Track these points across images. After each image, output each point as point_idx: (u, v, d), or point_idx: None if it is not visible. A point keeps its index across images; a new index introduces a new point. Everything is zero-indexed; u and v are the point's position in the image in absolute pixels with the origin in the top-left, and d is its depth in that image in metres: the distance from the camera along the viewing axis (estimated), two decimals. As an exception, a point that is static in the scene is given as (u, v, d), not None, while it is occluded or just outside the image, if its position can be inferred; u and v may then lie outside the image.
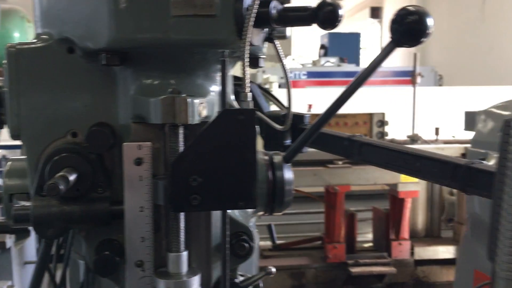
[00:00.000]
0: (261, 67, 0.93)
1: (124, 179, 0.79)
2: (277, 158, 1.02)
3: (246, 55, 0.74)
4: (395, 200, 4.02)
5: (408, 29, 0.78)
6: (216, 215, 0.84)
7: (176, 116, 0.76)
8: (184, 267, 0.82)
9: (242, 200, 0.75)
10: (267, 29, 0.83)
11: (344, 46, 12.03)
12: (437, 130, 4.17)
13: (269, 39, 0.87)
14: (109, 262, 0.79)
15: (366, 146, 1.20)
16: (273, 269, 0.92)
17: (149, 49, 0.79)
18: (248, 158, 0.74)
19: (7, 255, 2.32)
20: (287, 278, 4.16)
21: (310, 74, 10.17)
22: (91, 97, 0.83)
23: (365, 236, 4.67)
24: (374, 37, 15.58)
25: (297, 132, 1.41)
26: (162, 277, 0.81)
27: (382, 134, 4.07)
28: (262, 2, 0.75)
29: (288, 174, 1.01)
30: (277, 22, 0.78)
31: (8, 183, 0.91)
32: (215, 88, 0.86)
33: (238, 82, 1.52)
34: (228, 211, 0.89)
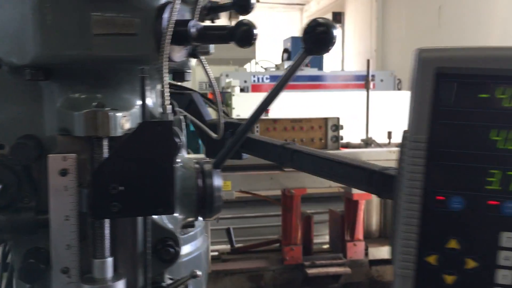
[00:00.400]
0: (187, 80, 0.98)
1: (49, 189, 0.82)
2: (207, 166, 1.07)
3: (165, 70, 0.79)
4: (349, 202, 4.13)
5: (318, 39, 0.85)
6: (141, 221, 0.88)
7: (99, 129, 0.80)
8: (109, 273, 0.85)
9: (160, 206, 0.80)
10: (189, 46, 0.88)
11: (307, 51, 12.18)
12: (389, 134, 4.30)
13: (193, 55, 0.92)
14: (34, 270, 0.82)
15: (297, 153, 1.27)
16: (199, 272, 0.96)
17: (74, 64, 0.83)
18: (166, 167, 0.79)
19: None
20: (245, 281, 4.21)
21: (273, 78, 10.27)
22: (18, 110, 0.86)
23: (322, 237, 4.77)
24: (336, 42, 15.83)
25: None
26: (87, 282, 0.84)
27: (337, 138, 4.16)
28: (181, 22, 0.80)
29: (218, 181, 1.06)
30: (196, 40, 0.83)
31: None
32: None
33: (179, 90, 1.56)
34: (155, 218, 0.93)
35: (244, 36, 0.83)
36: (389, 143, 4.30)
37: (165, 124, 0.78)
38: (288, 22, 15.32)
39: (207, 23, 1.00)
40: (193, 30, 0.82)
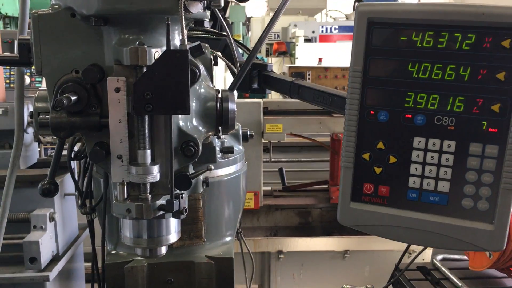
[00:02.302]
0: (206, 27, 1.32)
1: (109, 101, 1.21)
2: (225, 93, 1.42)
3: (182, 18, 1.14)
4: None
5: None
6: (169, 127, 1.26)
7: (139, 59, 1.17)
8: (148, 160, 1.25)
9: (179, 108, 1.16)
10: (202, 0, 1.21)
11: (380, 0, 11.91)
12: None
13: (208, 7, 1.26)
14: (99, 154, 1.23)
15: (302, 87, 1.59)
16: (212, 166, 1.34)
17: (122, 15, 1.19)
18: (183, 81, 1.14)
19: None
20: (294, 216, 4.61)
21: (342, 29, 10.25)
22: (87, 46, 1.25)
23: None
24: (413, -10, 15.26)
25: (261, 77, 1.81)
26: (134, 165, 1.24)
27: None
28: (197, -18, 1.14)
29: (232, 105, 1.41)
30: (207, -4, 1.17)
31: (37, 105, 1.36)
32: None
33: (217, 36, 1.90)
34: (182, 126, 1.31)
35: (241, -7, 1.15)
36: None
37: (182, 51, 1.13)
38: (361, -30, 14.88)
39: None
40: (204, -12, 1.16)
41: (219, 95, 1.40)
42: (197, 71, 1.27)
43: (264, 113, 3.83)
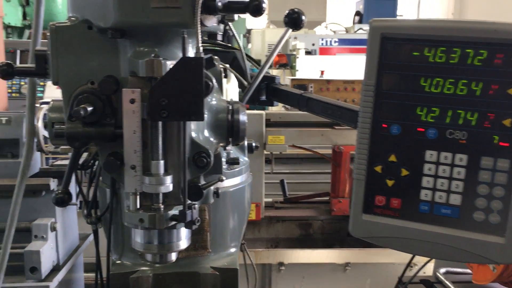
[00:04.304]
0: (219, 40, 1.35)
1: (123, 112, 1.23)
2: (236, 105, 1.44)
3: (198, 31, 1.16)
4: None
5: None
6: (182, 137, 1.27)
7: (155, 71, 1.19)
8: (161, 170, 1.26)
9: (193, 114, 1.18)
10: (217, 15, 1.24)
11: (380, 13, 11.95)
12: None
13: (222, 21, 1.28)
14: (113, 164, 1.25)
15: (311, 100, 1.61)
16: (224, 177, 1.36)
17: (139, 28, 1.22)
18: (197, 89, 1.16)
19: (51, 195, 2.72)
20: (295, 228, 4.62)
21: (342, 42, 10.31)
22: (103, 58, 1.27)
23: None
24: (411, 4, 15.42)
25: (270, 90, 1.83)
26: (147, 175, 1.26)
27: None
28: (211, -4, 1.16)
29: (243, 117, 1.43)
30: (222, 11, 1.19)
31: (51, 116, 1.38)
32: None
33: (225, 49, 1.92)
34: (194, 137, 1.32)
35: (255, 8, 1.18)
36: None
37: (197, 59, 1.15)
38: (361, -17, 15.02)
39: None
40: (219, 4, 1.18)
41: (230, 107, 1.42)
42: (211, 83, 1.29)
43: (267, 124, 3.85)
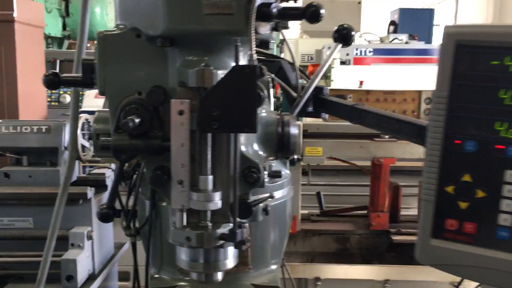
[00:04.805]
0: (271, 48, 1.27)
1: (171, 124, 1.16)
2: (287, 117, 1.36)
3: (253, 39, 1.09)
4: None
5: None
6: (233, 153, 1.20)
7: (205, 82, 1.13)
8: (210, 186, 1.19)
9: (246, 126, 1.10)
10: (271, 22, 1.17)
11: (416, 23, 11.74)
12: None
13: (276, 29, 1.21)
14: (160, 179, 1.18)
15: (364, 112, 1.52)
16: (274, 193, 1.27)
17: (190, 35, 1.16)
18: (251, 98, 1.09)
19: (88, 204, 2.75)
20: (332, 242, 4.49)
21: (376, 52, 10.16)
22: (151, 68, 1.21)
23: (412, 210, 4.87)
24: (448, 13, 15.12)
25: (317, 101, 1.75)
26: (195, 191, 1.19)
27: (430, 111, 4.22)
28: (265, 4, 1.09)
29: (294, 130, 1.35)
30: (277, 18, 1.12)
31: (96, 127, 1.33)
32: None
33: (271, 58, 1.86)
34: (244, 151, 1.25)
35: (312, 14, 1.10)
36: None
37: (251, 67, 1.08)
38: (397, -7, 14.82)
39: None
40: (274, 10, 1.11)
41: (281, 119, 1.35)
42: (262, 93, 1.22)
43: (304, 135, 3.76)
